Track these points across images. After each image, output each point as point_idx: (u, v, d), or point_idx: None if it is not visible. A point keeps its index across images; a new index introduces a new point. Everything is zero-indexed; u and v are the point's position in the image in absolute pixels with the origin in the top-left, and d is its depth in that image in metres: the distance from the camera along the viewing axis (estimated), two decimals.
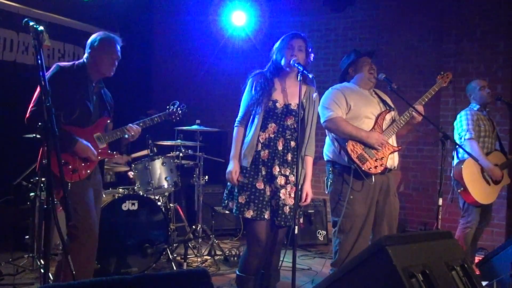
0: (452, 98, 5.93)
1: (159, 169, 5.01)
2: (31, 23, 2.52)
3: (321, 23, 6.80)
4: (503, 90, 5.68)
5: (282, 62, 3.31)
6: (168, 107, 3.80)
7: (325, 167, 3.97)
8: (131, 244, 4.50)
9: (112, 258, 4.40)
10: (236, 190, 3.32)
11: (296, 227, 3.17)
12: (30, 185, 4.64)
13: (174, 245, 5.14)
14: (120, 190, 4.94)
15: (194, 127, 5.42)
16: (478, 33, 5.88)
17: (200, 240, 5.33)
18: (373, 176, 3.73)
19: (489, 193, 4.59)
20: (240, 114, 3.43)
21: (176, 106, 3.79)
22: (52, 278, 3.35)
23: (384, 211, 3.83)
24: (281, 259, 3.41)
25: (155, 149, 5.09)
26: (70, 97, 3.21)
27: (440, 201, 3.84)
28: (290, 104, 3.35)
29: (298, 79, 3.18)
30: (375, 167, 3.73)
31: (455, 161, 4.69)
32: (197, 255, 5.19)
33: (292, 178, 3.32)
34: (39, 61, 2.45)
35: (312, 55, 3.43)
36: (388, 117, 3.91)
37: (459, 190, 4.57)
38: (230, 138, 3.37)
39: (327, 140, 3.96)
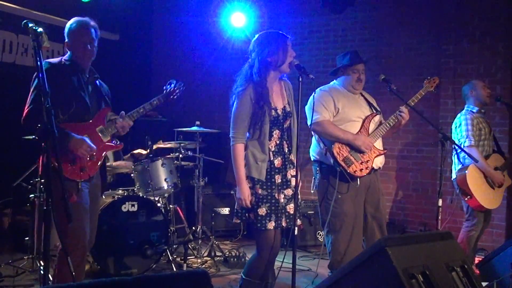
0: (451, 100, 5.93)
1: (158, 170, 5.00)
2: (30, 25, 2.52)
3: (321, 24, 6.79)
4: (502, 91, 5.68)
5: (283, 64, 3.25)
6: (164, 87, 3.61)
7: None
8: (131, 245, 4.50)
9: (111, 259, 4.40)
10: (254, 203, 3.20)
11: (296, 228, 3.17)
12: (29, 186, 4.64)
13: (174, 246, 5.13)
14: (120, 191, 4.94)
15: (194, 128, 5.42)
16: (477, 34, 5.88)
17: (200, 241, 5.33)
18: (358, 179, 3.75)
19: (494, 197, 4.58)
20: (236, 129, 3.22)
21: (172, 84, 3.59)
22: (51, 280, 3.34)
23: (372, 210, 3.86)
24: (281, 260, 3.40)
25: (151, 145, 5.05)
26: (64, 91, 3.16)
27: (440, 202, 3.85)
28: (285, 106, 3.35)
29: (299, 79, 3.16)
30: (361, 170, 3.75)
31: (457, 166, 4.64)
32: (197, 256, 5.19)
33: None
34: (39, 63, 2.45)
35: None
36: (374, 120, 3.92)
37: (466, 199, 4.53)
38: (229, 139, 3.29)
39: (313, 140, 3.95)
